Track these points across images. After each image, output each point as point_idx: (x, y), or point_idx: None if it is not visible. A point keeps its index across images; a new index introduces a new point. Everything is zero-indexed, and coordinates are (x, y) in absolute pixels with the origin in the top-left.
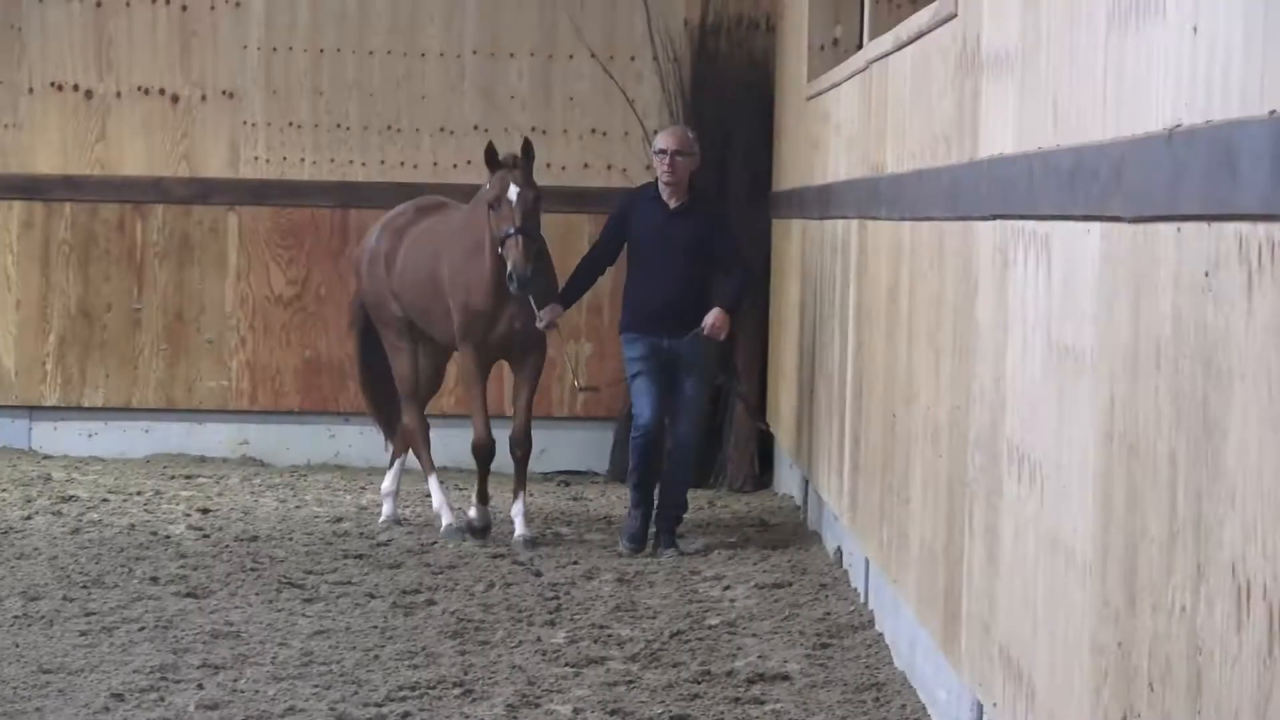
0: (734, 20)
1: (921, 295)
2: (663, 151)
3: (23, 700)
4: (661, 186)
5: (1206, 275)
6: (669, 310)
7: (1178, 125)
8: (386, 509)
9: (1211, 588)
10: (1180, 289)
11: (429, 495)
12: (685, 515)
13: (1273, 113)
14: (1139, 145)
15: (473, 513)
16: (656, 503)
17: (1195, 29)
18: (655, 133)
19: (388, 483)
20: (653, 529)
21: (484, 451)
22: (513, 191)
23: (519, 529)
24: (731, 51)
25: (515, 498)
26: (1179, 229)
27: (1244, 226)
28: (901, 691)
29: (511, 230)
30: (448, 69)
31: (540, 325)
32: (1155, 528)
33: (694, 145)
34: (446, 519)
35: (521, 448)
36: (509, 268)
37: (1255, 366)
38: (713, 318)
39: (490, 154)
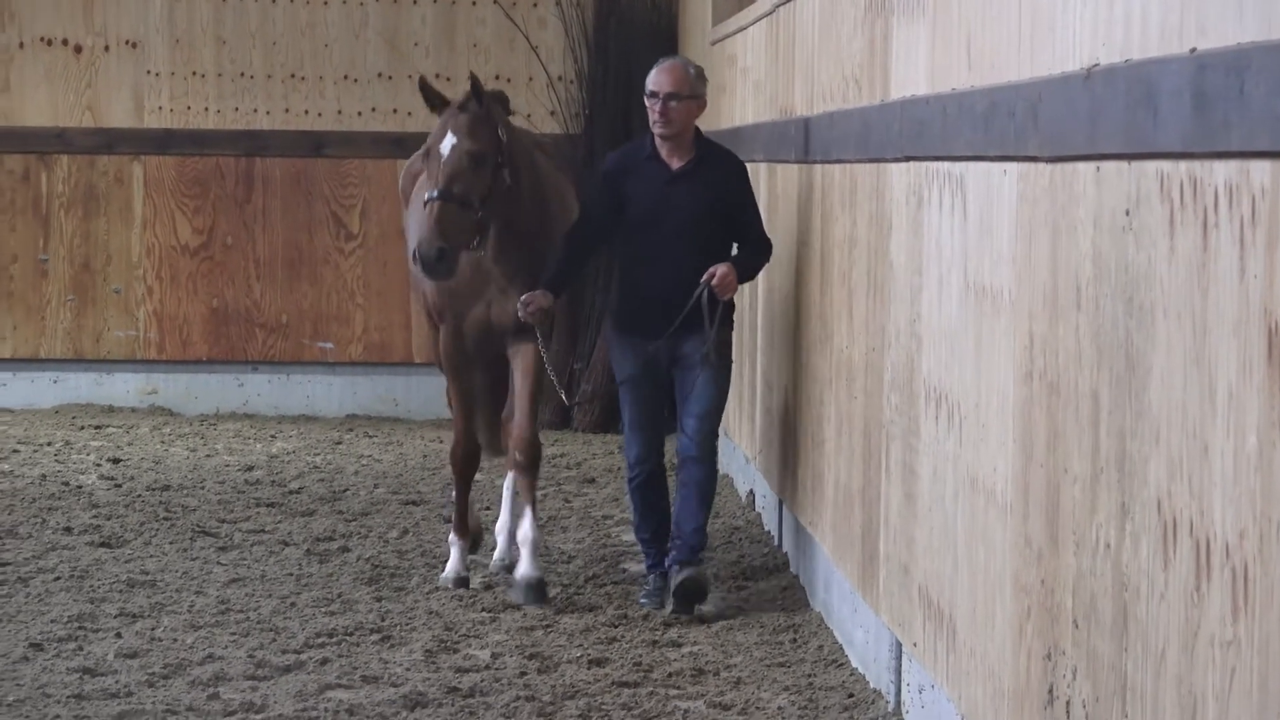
0: None
1: (833, 238)
2: (653, 95)
3: None
4: (658, 142)
5: (1127, 214)
6: (672, 304)
7: (1096, 64)
8: (499, 549)
9: (1137, 525)
10: (1100, 228)
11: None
12: (704, 554)
13: (1193, 50)
14: (1056, 85)
15: (454, 553)
16: (671, 532)
17: None
18: (652, 68)
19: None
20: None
21: (461, 460)
22: (446, 143)
23: (524, 564)
24: None
25: (520, 518)
26: (1098, 168)
27: (1165, 165)
28: (818, 633)
29: (433, 194)
30: (350, 16)
31: (523, 315)
32: (1078, 466)
33: (696, 84)
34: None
35: (524, 453)
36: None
37: (1178, 303)
38: (724, 267)
39: (426, 91)
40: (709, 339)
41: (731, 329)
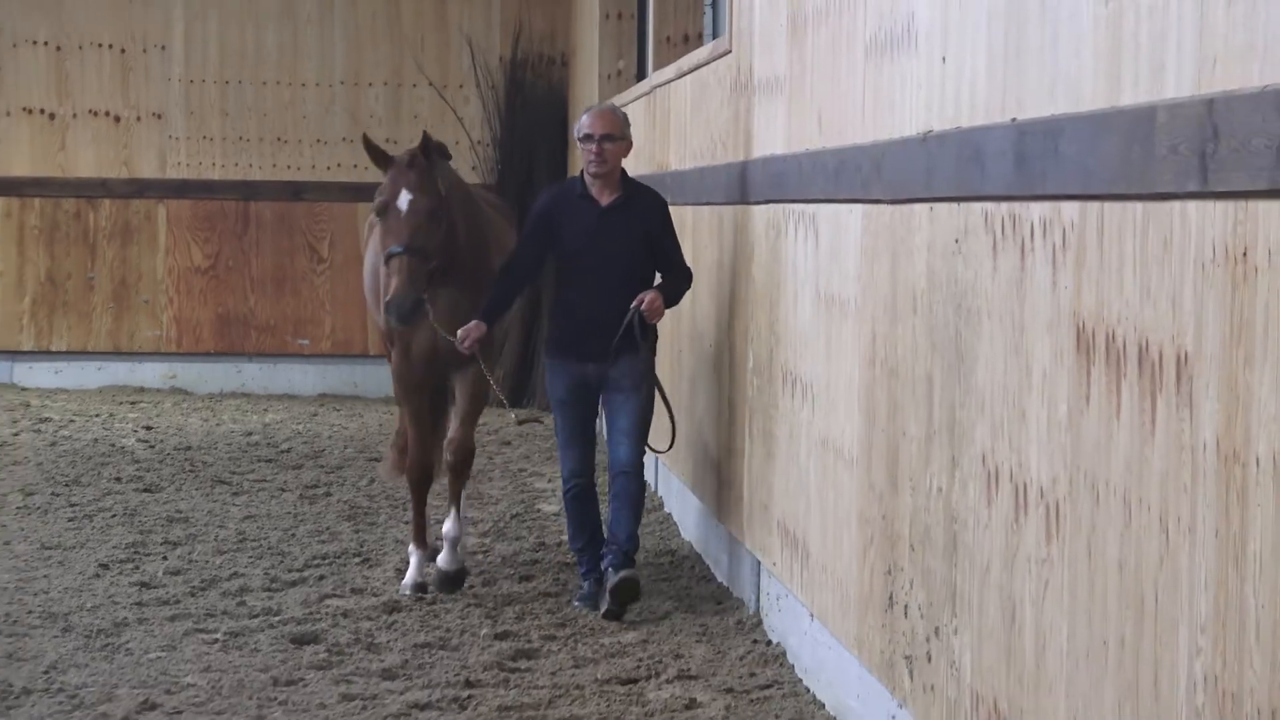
0: (537, 57)
1: (704, 261)
2: (589, 137)
3: (33, 569)
4: (589, 180)
5: (957, 242)
6: (603, 328)
7: (930, 131)
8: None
9: (965, 473)
10: (934, 252)
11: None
12: (636, 555)
13: (1014, 120)
14: (896, 146)
15: (413, 561)
16: (606, 538)
17: (944, 59)
18: (581, 115)
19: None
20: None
21: (417, 477)
22: (403, 199)
23: (443, 557)
24: (535, 81)
25: (447, 514)
26: (931, 208)
27: (989, 205)
28: (689, 556)
29: (398, 249)
30: (322, 95)
31: (462, 348)
32: (914, 430)
33: (625, 127)
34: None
35: (456, 454)
36: (386, 295)
37: (1000, 308)
38: (651, 293)
39: (372, 149)
40: (639, 363)
41: (654, 351)
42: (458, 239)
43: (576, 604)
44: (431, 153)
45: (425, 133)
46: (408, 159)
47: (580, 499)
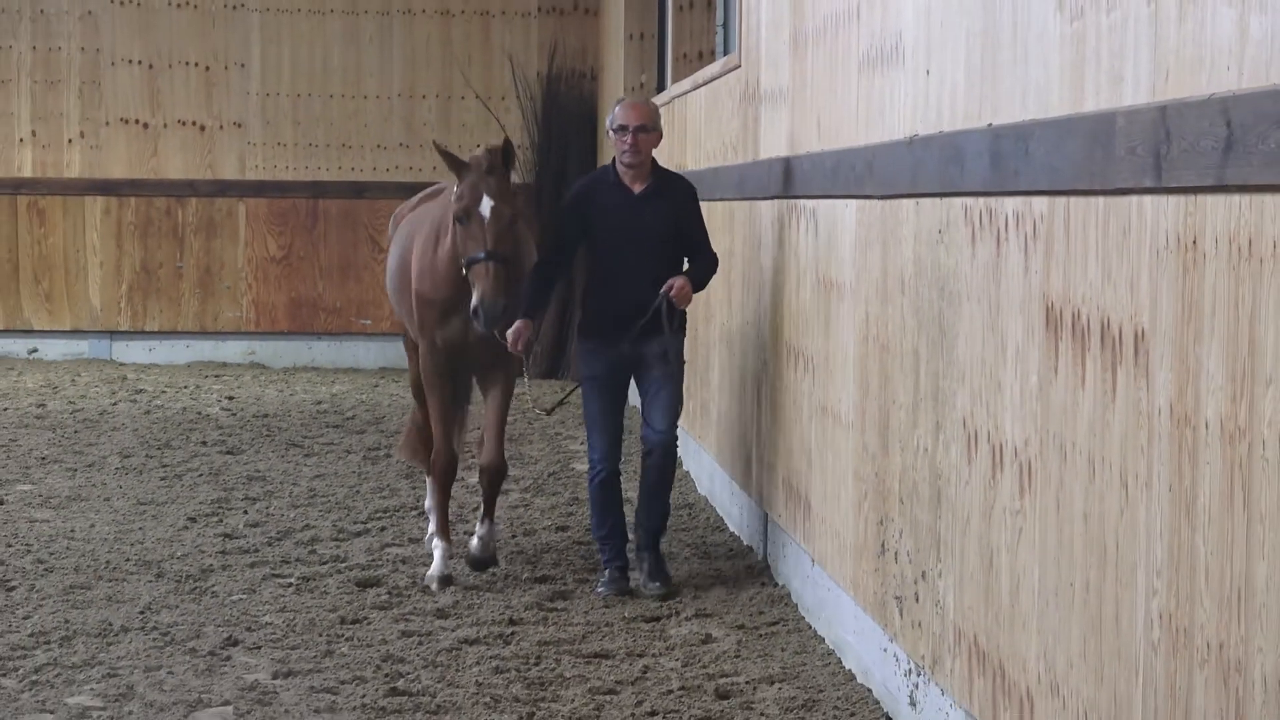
0: (570, 72)
1: (717, 250)
2: (623, 128)
3: (129, 522)
4: (621, 169)
5: (940, 232)
6: (636, 313)
7: (915, 135)
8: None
9: (948, 435)
10: (919, 242)
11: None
12: (668, 522)
13: (989, 125)
14: (886, 148)
15: (437, 555)
16: (635, 519)
17: (928, 71)
18: (614, 107)
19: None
20: (632, 548)
21: (442, 469)
22: (486, 206)
23: (474, 545)
24: (568, 92)
25: (480, 522)
26: (917, 203)
27: (968, 200)
28: (705, 510)
29: (482, 255)
30: (381, 106)
31: (513, 349)
32: (903, 398)
33: (657, 118)
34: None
35: (490, 476)
36: (475, 299)
37: (978, 291)
38: (680, 280)
39: (446, 155)
40: (667, 342)
41: (684, 335)
42: None
43: (600, 591)
44: (511, 159)
45: (507, 138)
46: (486, 165)
47: (605, 486)
